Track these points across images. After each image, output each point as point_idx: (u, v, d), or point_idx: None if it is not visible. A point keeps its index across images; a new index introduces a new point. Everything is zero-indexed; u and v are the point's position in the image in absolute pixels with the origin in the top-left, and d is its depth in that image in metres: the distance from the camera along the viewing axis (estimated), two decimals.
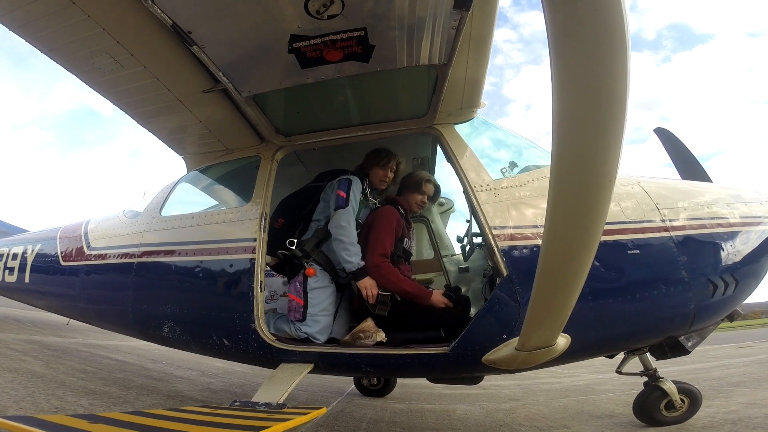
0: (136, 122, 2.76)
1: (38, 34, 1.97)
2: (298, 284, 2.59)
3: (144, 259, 2.92)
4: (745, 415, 2.89)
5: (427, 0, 1.74)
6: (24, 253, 3.82)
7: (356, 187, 2.70)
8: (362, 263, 2.52)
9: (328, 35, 1.92)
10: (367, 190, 2.85)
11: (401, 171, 3.00)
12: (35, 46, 2.04)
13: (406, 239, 2.83)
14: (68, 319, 4.57)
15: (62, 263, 3.45)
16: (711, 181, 2.95)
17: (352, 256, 2.51)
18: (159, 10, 1.75)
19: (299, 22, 1.83)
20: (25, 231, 4.77)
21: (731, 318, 2.58)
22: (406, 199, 2.98)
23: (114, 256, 3.10)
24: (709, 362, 7.69)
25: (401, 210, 2.87)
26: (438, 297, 2.51)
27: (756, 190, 2.72)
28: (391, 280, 2.52)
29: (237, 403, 2.05)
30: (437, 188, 3.10)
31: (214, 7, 1.76)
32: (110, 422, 1.43)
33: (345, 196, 2.62)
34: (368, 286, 2.49)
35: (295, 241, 2.66)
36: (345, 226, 2.55)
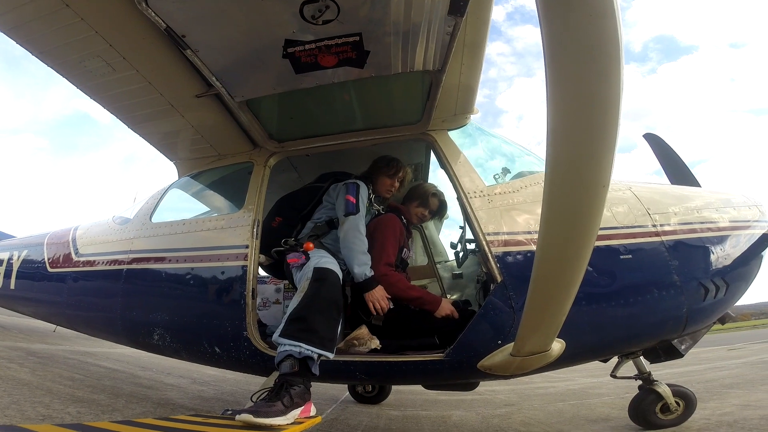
0: (127, 127, 2.72)
1: (30, 37, 1.94)
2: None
3: (134, 266, 2.87)
4: (740, 416, 2.90)
5: (422, 6, 1.75)
6: (9, 259, 3.74)
7: (363, 193, 2.62)
8: (371, 273, 2.42)
9: (322, 40, 1.92)
10: (372, 196, 2.78)
11: (407, 181, 2.97)
12: (27, 49, 2.00)
13: (405, 249, 2.81)
14: (55, 326, 4.49)
15: (49, 269, 3.38)
16: (700, 186, 2.99)
17: (362, 265, 2.40)
18: (153, 13, 1.73)
19: (294, 27, 1.83)
20: (12, 237, 4.67)
21: (723, 321, 2.61)
22: (409, 209, 2.96)
23: (103, 262, 3.04)
24: (701, 365, 7.76)
25: (403, 219, 2.84)
26: (447, 305, 2.47)
27: (744, 195, 2.77)
28: (399, 287, 2.49)
29: (229, 412, 2.01)
30: (442, 204, 3.05)
31: (209, 10, 1.75)
32: None
33: (355, 202, 2.52)
34: (377, 299, 2.39)
35: (291, 239, 2.57)
36: (357, 234, 2.45)
